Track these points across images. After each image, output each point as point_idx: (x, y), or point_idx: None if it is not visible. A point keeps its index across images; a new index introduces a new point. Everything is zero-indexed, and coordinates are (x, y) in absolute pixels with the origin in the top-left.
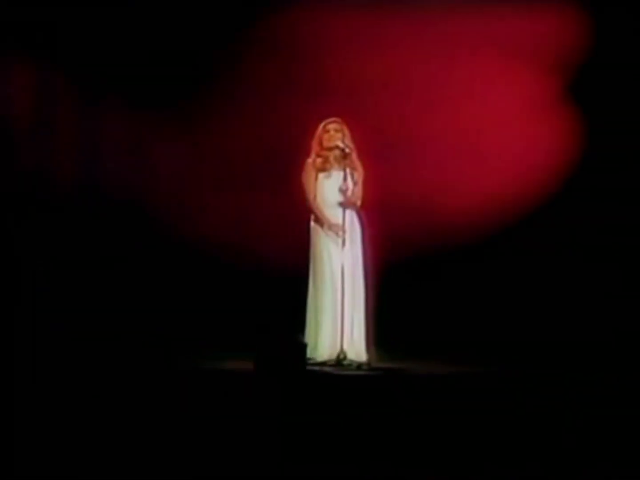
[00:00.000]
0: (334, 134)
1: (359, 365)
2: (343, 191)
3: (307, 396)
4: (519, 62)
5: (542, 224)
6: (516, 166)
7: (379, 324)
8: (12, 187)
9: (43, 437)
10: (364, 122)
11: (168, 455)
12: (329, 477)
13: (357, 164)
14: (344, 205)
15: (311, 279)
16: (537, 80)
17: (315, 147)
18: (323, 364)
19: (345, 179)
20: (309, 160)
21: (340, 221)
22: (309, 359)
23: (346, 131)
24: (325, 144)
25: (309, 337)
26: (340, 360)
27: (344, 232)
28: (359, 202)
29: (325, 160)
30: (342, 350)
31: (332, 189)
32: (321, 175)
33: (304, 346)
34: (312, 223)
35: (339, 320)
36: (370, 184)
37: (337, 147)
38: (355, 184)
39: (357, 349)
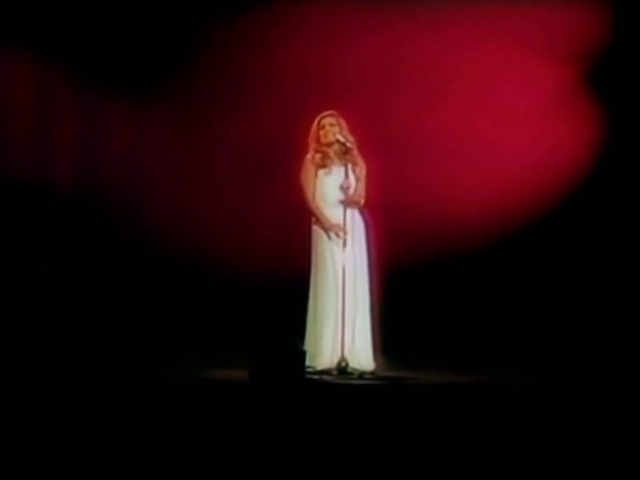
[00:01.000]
0: (329, 128)
1: (362, 374)
2: (344, 189)
3: (305, 406)
4: (532, 53)
5: (558, 225)
6: (530, 164)
7: (384, 330)
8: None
9: (38, 439)
10: (366, 116)
11: (164, 459)
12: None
13: (359, 159)
14: (345, 203)
15: (312, 282)
16: (552, 72)
17: (312, 143)
18: (323, 372)
19: (346, 175)
20: (308, 157)
21: (341, 221)
22: (309, 367)
23: (343, 124)
24: (323, 140)
25: (308, 344)
26: (341, 369)
27: (344, 232)
28: (362, 201)
29: (325, 155)
30: (343, 358)
31: (333, 187)
32: (321, 172)
33: (303, 353)
34: (313, 223)
35: (339, 325)
36: (374, 181)
37: (337, 141)
38: (357, 180)
39: (359, 356)
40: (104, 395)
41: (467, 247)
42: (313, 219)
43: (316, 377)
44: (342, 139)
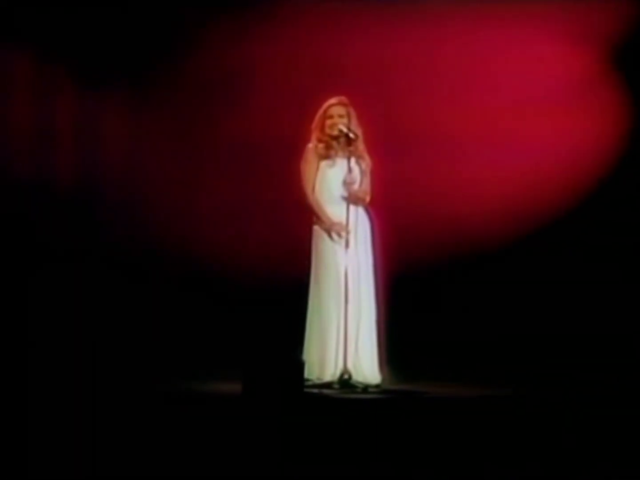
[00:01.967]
0: (337, 120)
1: (366, 388)
2: (348, 184)
3: (304, 424)
4: (550, 38)
5: (580, 227)
6: (549, 159)
7: (390, 339)
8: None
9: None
10: (373, 108)
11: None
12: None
13: (365, 152)
14: (349, 200)
15: (312, 287)
16: (572, 59)
17: (315, 132)
18: (324, 386)
19: (349, 169)
20: (310, 146)
21: (343, 219)
22: (308, 380)
23: (353, 114)
24: (328, 131)
25: (308, 354)
26: (344, 382)
27: (347, 232)
28: (367, 197)
29: (329, 145)
30: (346, 370)
31: (335, 181)
32: (323, 164)
33: (301, 365)
34: (314, 222)
35: (342, 334)
36: (381, 176)
37: (340, 132)
38: (362, 175)
39: (363, 368)
40: (93, 412)
41: (480, 250)
42: (314, 218)
43: (316, 391)
44: (345, 130)
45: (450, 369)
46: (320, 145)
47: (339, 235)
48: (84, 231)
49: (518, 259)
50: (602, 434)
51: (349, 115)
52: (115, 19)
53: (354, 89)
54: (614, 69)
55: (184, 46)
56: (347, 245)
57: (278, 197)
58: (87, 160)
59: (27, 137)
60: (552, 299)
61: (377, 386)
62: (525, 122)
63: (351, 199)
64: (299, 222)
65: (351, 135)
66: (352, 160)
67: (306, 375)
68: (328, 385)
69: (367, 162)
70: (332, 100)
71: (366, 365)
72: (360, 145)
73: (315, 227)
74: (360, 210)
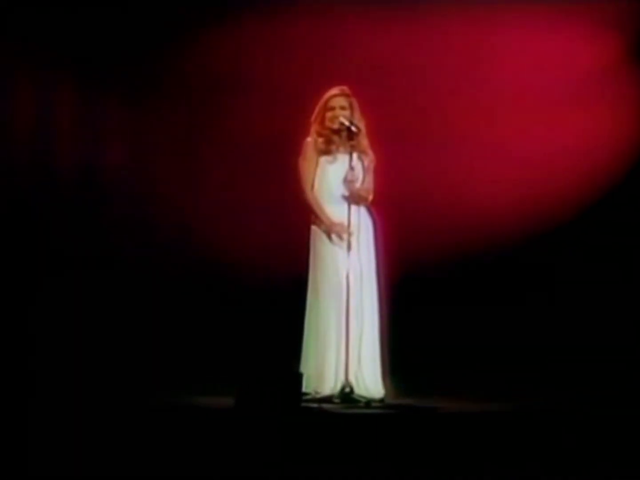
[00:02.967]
0: (339, 112)
1: (369, 402)
2: (349, 182)
3: (302, 441)
4: (565, 25)
5: (598, 227)
6: (564, 155)
7: (394, 349)
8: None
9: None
10: (375, 100)
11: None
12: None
13: (369, 147)
14: (350, 199)
15: (310, 292)
16: (588, 48)
17: (315, 125)
18: (324, 400)
19: (351, 166)
20: (308, 140)
21: (344, 219)
22: (306, 393)
23: (355, 105)
24: (329, 124)
25: (306, 366)
26: (345, 396)
27: (349, 233)
28: (370, 197)
29: (329, 140)
30: (347, 383)
31: (336, 178)
32: (323, 160)
33: (299, 377)
34: (312, 223)
35: (343, 343)
36: (385, 174)
37: (342, 125)
38: (365, 172)
39: (366, 380)
40: (82, 429)
41: (490, 253)
42: (312, 218)
43: (315, 405)
44: (346, 123)
45: (458, 381)
46: (320, 140)
47: (340, 237)
48: (83, 231)
49: (532, 261)
50: (602, 434)
51: (351, 107)
52: (116, 18)
53: (357, 80)
54: (633, 63)
55: (184, 44)
56: (348, 248)
57: (277, 197)
58: (87, 160)
59: (28, 136)
60: (567, 303)
61: (380, 400)
62: (537, 118)
63: (353, 198)
64: (298, 222)
65: (353, 128)
66: (355, 156)
67: (303, 388)
68: (328, 399)
69: (370, 158)
70: (334, 91)
71: (369, 378)
72: (364, 140)
73: (314, 228)
74: (363, 210)
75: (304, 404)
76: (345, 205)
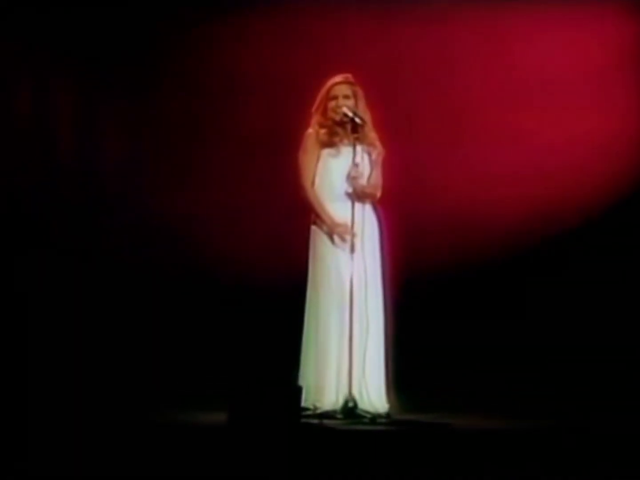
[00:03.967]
0: (342, 101)
1: (374, 418)
2: (354, 178)
3: (302, 460)
4: (578, 22)
5: (619, 230)
6: (583, 148)
7: (401, 359)
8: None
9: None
10: (383, 91)
11: None
12: None
13: (376, 140)
14: (354, 196)
15: (310, 298)
16: (608, 30)
17: (316, 115)
18: (325, 415)
19: (354, 161)
20: (310, 132)
21: (348, 219)
22: (306, 408)
23: (360, 94)
24: (331, 114)
25: (305, 378)
26: (348, 410)
27: (352, 234)
28: (377, 194)
29: (332, 131)
30: (350, 397)
31: (340, 173)
32: (325, 153)
33: (298, 390)
34: (312, 222)
35: (345, 354)
36: (392, 169)
37: (345, 116)
38: (372, 167)
39: (371, 394)
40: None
41: (503, 255)
42: (312, 217)
43: (315, 421)
44: (350, 114)
45: (468, 395)
46: (322, 131)
47: (342, 238)
48: (83, 231)
49: (547, 262)
50: (602, 434)
51: (355, 96)
52: (116, 17)
53: (364, 73)
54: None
55: (184, 43)
56: (352, 249)
57: (277, 197)
58: (87, 160)
59: (27, 136)
60: (582, 305)
61: (386, 415)
62: (549, 114)
63: (357, 195)
64: (297, 222)
65: (357, 120)
66: (360, 149)
67: (304, 402)
68: (329, 414)
69: (378, 151)
70: (337, 78)
71: (374, 392)
72: (370, 132)
73: (314, 228)
74: (368, 209)
75: (303, 420)
76: (349, 204)
